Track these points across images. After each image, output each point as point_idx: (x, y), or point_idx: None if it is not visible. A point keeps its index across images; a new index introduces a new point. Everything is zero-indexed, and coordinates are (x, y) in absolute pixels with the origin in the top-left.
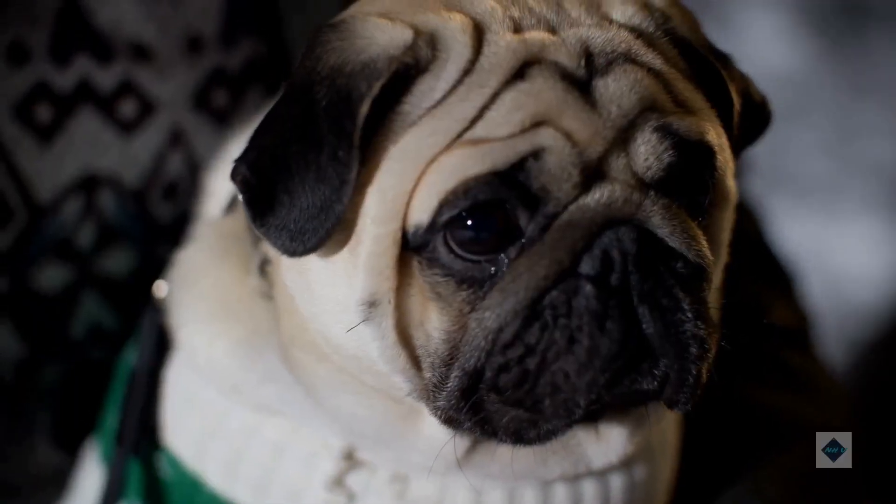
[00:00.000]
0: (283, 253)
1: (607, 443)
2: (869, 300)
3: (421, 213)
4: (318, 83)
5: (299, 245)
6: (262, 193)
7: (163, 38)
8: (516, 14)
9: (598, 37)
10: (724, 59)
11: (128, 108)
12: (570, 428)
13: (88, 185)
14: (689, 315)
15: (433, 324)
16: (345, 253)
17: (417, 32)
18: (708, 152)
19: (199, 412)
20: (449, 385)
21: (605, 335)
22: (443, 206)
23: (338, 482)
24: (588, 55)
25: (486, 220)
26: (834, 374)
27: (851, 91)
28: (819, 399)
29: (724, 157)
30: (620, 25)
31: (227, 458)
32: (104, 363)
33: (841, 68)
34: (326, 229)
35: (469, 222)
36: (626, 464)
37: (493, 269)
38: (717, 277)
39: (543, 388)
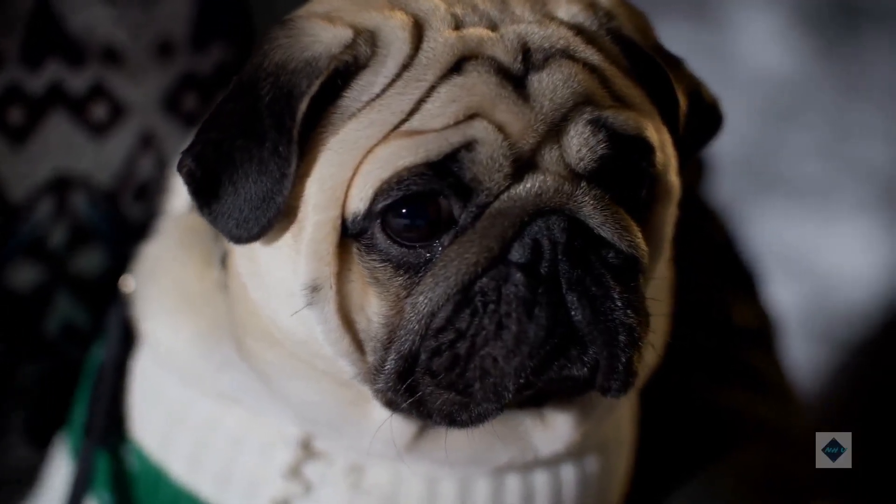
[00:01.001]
0: (229, 239)
1: (553, 430)
2: (862, 301)
3: (358, 202)
4: (264, 79)
5: (244, 232)
6: (206, 185)
7: (134, 42)
8: (459, 12)
9: (537, 33)
10: (674, 61)
11: (99, 111)
12: (501, 412)
13: (61, 186)
14: (619, 304)
15: (373, 308)
16: (289, 239)
17: (358, 31)
18: (645, 147)
19: (164, 405)
20: (387, 367)
21: (533, 322)
22: (378, 195)
23: (295, 472)
24: (526, 51)
25: (420, 208)
26: (793, 375)
27: (846, 92)
28: (777, 399)
29: (666, 153)
30: (562, 23)
31: (190, 450)
32: (78, 362)
33: (836, 69)
34: (268, 218)
35: (404, 210)
36: (578, 456)
37: (428, 255)
38: (659, 271)
39: (473, 372)
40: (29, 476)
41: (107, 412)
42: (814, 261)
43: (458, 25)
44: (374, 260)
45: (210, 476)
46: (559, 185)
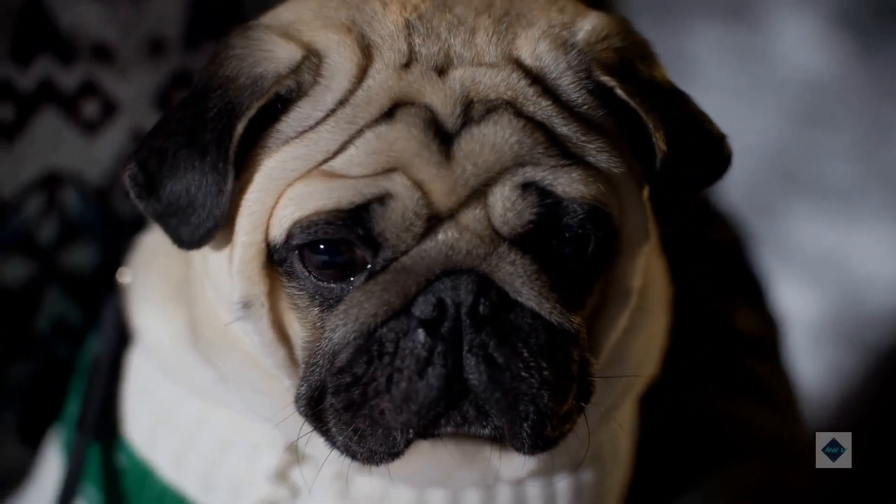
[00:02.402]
0: (172, 242)
1: (511, 459)
2: (890, 305)
3: (277, 232)
4: (213, 90)
5: (185, 238)
6: (148, 189)
7: (125, 40)
8: (417, 42)
9: (486, 81)
10: (673, 98)
11: (90, 108)
12: (398, 458)
13: (50, 182)
14: (525, 372)
15: (295, 330)
16: (227, 252)
17: (309, 52)
18: (590, 209)
19: (153, 402)
20: (302, 390)
21: (424, 381)
22: (291, 233)
23: (281, 475)
24: (468, 102)
25: (335, 248)
26: (821, 379)
27: (882, 95)
28: (779, 409)
29: (625, 203)
30: (520, 66)
31: (176, 449)
32: (69, 361)
33: (872, 72)
34: (207, 229)
35: (321, 247)
36: (573, 468)
37: (340, 292)
38: (620, 322)
39: (363, 420)
40: (20, 476)
41: (99, 407)
42: (844, 264)
43: (409, 60)
44: (294, 287)
45: (195, 476)
46: (472, 246)
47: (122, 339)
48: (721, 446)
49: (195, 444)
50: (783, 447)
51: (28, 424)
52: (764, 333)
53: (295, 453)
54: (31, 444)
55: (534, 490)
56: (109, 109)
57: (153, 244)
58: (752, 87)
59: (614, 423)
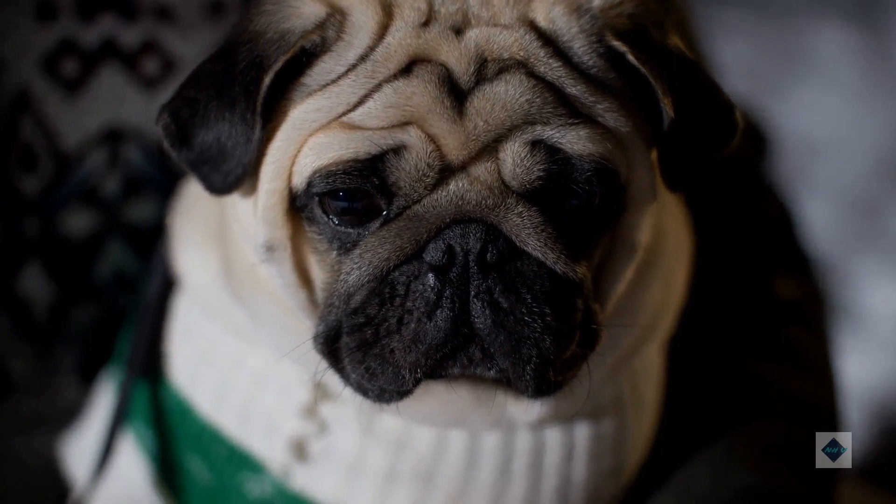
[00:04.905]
0: (204, 188)
1: (523, 403)
2: None
3: (298, 180)
4: (243, 44)
5: (216, 184)
6: (181, 138)
7: (186, 0)
8: (437, 2)
9: (500, 40)
10: (684, 65)
11: (151, 65)
12: (407, 396)
13: (113, 137)
14: (528, 318)
15: (316, 273)
16: (253, 198)
17: (333, 12)
18: (598, 166)
19: (194, 342)
20: (320, 329)
21: (432, 322)
22: (311, 181)
23: (310, 411)
24: (482, 60)
25: (353, 195)
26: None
27: None
28: (811, 375)
29: (637, 162)
30: (534, 27)
31: (216, 386)
32: (128, 307)
33: None
34: (236, 176)
35: (340, 194)
36: (593, 415)
37: (358, 236)
38: (626, 274)
39: (374, 359)
40: (80, 410)
41: (146, 348)
42: None
43: (428, 19)
44: (314, 231)
45: (233, 413)
46: (482, 197)
47: (168, 283)
48: (748, 402)
49: (233, 381)
50: (811, 410)
51: (88, 365)
52: (803, 301)
53: (322, 390)
54: (88, 387)
55: (553, 436)
56: (169, 67)
57: (194, 190)
58: (872, 87)
59: (635, 372)
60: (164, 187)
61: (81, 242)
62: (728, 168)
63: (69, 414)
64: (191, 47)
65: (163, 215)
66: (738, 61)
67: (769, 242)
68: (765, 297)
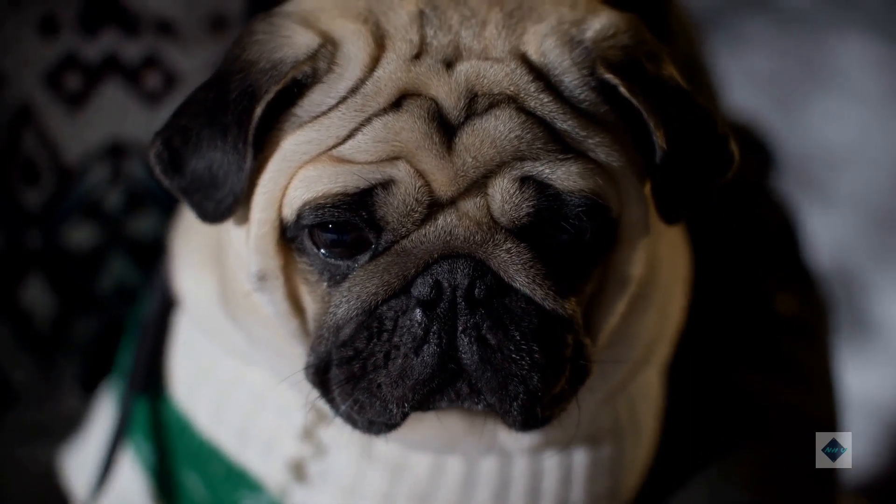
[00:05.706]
0: (196, 216)
1: (514, 433)
2: None
3: (288, 212)
4: (235, 73)
5: (207, 213)
6: (172, 166)
7: (188, 15)
8: (430, 33)
9: (490, 75)
10: (678, 96)
11: (153, 80)
12: (395, 429)
13: (115, 151)
14: (516, 355)
15: (308, 303)
16: (245, 227)
17: (325, 42)
18: (588, 201)
19: (194, 359)
20: (310, 359)
21: (419, 358)
22: (301, 212)
23: (308, 434)
24: (472, 95)
25: (341, 229)
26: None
27: None
28: (812, 391)
29: (624, 195)
30: (526, 61)
31: (215, 404)
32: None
33: None
34: (228, 205)
35: (330, 226)
36: (591, 440)
37: (347, 269)
38: (618, 307)
39: (362, 392)
40: (82, 421)
41: (146, 364)
42: None
43: (419, 52)
44: (305, 262)
45: (231, 430)
46: (470, 233)
47: (168, 301)
48: (747, 421)
49: (231, 399)
50: (810, 426)
51: (90, 376)
52: (803, 316)
53: (320, 414)
54: (89, 398)
55: (550, 461)
56: (171, 81)
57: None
58: (894, 98)
59: (632, 396)
60: (166, 201)
61: (83, 255)
62: (731, 183)
63: (71, 424)
64: (192, 62)
65: (164, 229)
66: (760, 72)
67: (770, 257)
68: (765, 312)
